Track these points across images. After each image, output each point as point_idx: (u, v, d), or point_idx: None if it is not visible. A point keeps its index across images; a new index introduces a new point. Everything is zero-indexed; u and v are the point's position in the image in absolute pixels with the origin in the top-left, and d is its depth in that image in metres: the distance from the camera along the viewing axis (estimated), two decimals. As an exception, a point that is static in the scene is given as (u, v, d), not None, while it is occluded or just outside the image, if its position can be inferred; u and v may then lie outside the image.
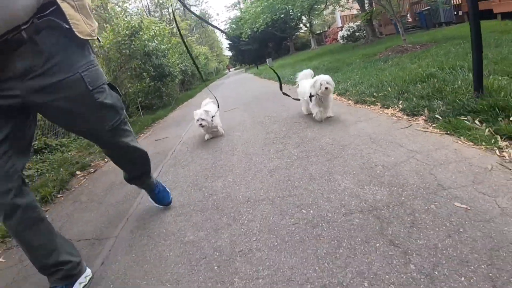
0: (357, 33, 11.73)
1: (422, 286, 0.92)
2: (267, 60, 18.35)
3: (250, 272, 1.18)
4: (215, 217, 1.66)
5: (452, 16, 9.32)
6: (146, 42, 7.05)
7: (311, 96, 2.84)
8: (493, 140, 1.71)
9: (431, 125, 2.11)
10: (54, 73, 1.16)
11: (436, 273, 0.96)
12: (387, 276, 0.99)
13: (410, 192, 1.41)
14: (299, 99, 3.21)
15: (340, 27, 17.80)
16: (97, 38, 1.36)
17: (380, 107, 2.77)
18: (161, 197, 1.87)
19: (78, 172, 3.54)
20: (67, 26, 1.15)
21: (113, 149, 1.51)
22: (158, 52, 7.57)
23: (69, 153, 4.41)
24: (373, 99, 2.98)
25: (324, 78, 2.71)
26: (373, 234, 1.20)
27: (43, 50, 1.13)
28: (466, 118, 2.00)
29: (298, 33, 27.10)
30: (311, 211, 1.47)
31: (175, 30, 12.71)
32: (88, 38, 1.25)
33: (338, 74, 5.10)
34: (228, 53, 38.72)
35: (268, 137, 2.83)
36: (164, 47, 8.07)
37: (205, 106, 3.42)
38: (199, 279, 1.23)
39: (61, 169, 3.45)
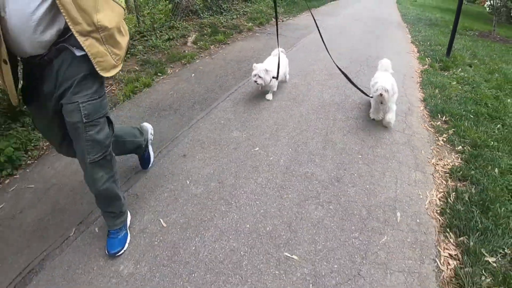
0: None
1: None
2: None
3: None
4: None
5: None
6: None
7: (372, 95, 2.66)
8: (427, 64, 5.20)
9: (418, 57, 5.56)
10: (62, 98, 1.29)
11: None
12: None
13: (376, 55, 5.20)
14: (371, 97, 2.77)
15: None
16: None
17: (415, 47, 6.12)
18: (112, 243, 1.62)
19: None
20: (78, 54, 1.22)
21: (90, 181, 1.48)
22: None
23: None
24: (417, 43, 6.28)
25: (383, 84, 2.40)
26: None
27: (58, 74, 1.24)
28: (428, 59, 5.42)
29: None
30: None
31: None
32: (110, 74, 1.29)
33: (430, 27, 7.88)
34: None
35: (364, 35, 6.49)
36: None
37: (275, 57, 3.30)
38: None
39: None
